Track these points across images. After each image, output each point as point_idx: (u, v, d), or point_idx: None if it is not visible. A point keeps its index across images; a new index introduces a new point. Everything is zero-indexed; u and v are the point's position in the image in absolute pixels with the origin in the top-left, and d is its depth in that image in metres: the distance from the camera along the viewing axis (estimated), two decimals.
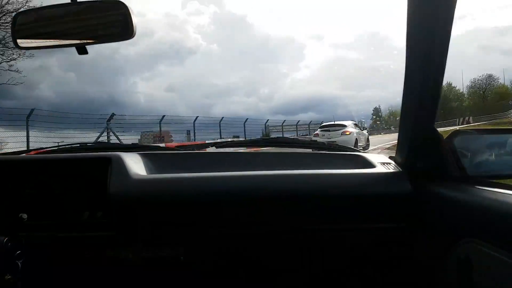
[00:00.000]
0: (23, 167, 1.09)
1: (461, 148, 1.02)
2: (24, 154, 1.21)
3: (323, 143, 1.53)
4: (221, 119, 17.84)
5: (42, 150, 1.27)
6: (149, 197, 0.99)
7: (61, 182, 1.06)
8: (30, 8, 0.87)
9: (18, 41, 0.90)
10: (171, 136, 18.94)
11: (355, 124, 13.17)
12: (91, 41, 0.86)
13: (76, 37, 0.87)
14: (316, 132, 13.16)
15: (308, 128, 22.47)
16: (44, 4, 0.87)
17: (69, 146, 1.33)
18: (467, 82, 44.07)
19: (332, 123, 13.44)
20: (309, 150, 1.37)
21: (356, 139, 12.13)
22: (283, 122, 21.84)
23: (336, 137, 11.38)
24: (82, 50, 0.87)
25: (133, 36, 0.81)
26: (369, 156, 1.23)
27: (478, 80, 41.98)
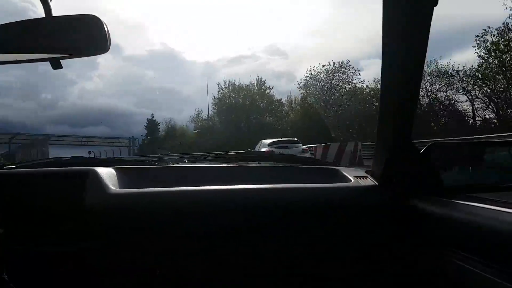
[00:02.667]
0: None
1: (438, 161, 1.04)
2: None
3: (299, 157, 1.54)
4: None
5: (17, 165, 1.24)
6: (125, 212, 0.97)
7: (37, 198, 1.03)
8: (4, 23, 0.87)
9: None
10: None
11: None
12: (65, 55, 0.86)
13: (51, 52, 0.86)
14: (268, 149, 11.10)
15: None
16: (18, 19, 0.86)
17: (45, 161, 1.31)
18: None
19: (282, 139, 12.43)
20: (286, 164, 1.38)
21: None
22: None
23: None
24: (56, 64, 0.86)
25: (108, 49, 0.81)
26: (345, 170, 1.24)
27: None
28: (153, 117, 38.22)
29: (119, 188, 1.04)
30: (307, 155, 10.75)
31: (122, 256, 1.01)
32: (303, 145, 12.27)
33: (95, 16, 0.80)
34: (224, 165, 1.31)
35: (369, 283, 1.06)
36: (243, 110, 29.87)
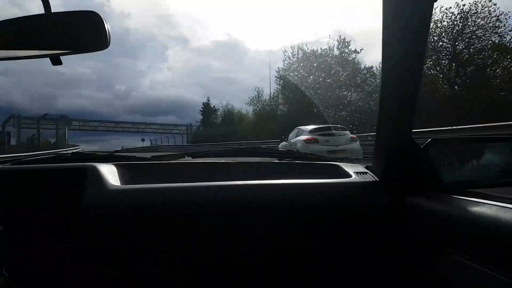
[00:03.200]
0: None
1: (438, 157, 1.04)
2: None
3: (299, 152, 1.53)
4: None
5: (17, 161, 1.24)
6: (125, 208, 0.97)
7: (36, 194, 1.04)
8: (3, 19, 0.87)
9: None
10: None
11: None
12: (65, 51, 0.85)
13: (51, 48, 0.86)
14: (310, 137, 9.22)
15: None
16: (18, 15, 0.86)
17: (45, 156, 1.31)
18: None
19: (327, 125, 9.81)
20: (286, 160, 1.38)
21: None
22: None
23: (346, 145, 8.82)
24: (56, 61, 0.86)
25: (108, 46, 0.81)
26: (345, 165, 1.24)
27: None
28: (208, 101, 34.67)
29: (120, 184, 1.04)
30: (356, 145, 9.04)
31: (122, 253, 1.01)
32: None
33: (94, 12, 0.80)
34: (224, 160, 1.31)
35: (368, 278, 1.07)
36: (316, 84, 20.03)
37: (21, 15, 0.86)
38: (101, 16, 0.80)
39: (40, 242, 0.99)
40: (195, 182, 1.04)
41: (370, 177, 1.12)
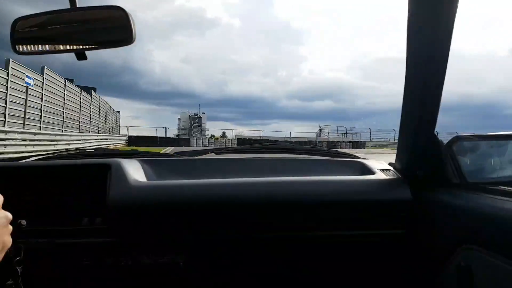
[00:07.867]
0: (23, 173, 1.09)
1: (461, 154, 1.02)
2: (24, 161, 1.21)
3: (322, 149, 1.52)
4: None
5: (41, 157, 1.26)
6: (149, 204, 0.98)
7: (61, 189, 1.05)
8: (30, 14, 0.87)
9: (17, 46, 0.90)
10: None
11: None
12: (90, 46, 0.85)
13: (76, 43, 0.86)
14: None
15: None
16: (44, 10, 0.86)
17: (69, 152, 1.33)
18: None
19: None
20: (309, 156, 1.37)
21: None
22: None
23: None
24: (81, 55, 0.86)
25: (133, 41, 0.80)
26: (369, 162, 1.23)
27: None
28: None
29: (144, 180, 1.05)
30: None
31: (146, 247, 1.03)
32: None
33: (119, 7, 0.79)
34: (248, 157, 1.31)
35: (392, 275, 1.07)
36: None
37: (47, 10, 0.86)
38: (126, 10, 0.80)
39: (63, 237, 1.00)
40: (219, 178, 1.04)
41: (393, 173, 1.12)
